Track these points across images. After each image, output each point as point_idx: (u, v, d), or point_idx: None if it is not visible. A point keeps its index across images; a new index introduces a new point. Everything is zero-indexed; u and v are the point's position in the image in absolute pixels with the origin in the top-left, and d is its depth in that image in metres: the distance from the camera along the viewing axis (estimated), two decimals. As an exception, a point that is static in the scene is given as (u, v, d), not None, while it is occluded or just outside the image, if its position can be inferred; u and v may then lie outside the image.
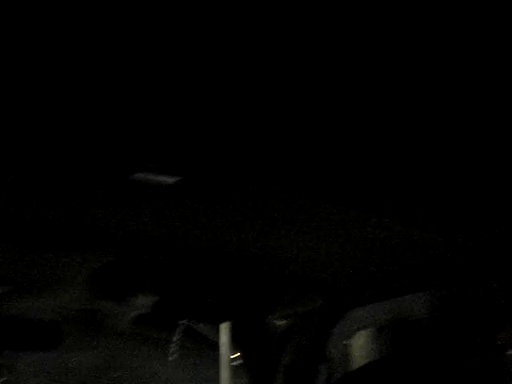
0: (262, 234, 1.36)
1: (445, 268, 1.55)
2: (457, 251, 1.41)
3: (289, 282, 1.69)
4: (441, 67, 0.91)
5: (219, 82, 0.80)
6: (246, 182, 1.00)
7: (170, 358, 3.06)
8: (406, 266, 1.58)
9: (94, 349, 3.89)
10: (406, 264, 1.56)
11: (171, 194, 1.02)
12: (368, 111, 0.94)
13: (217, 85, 0.80)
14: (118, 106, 0.75)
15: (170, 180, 0.93)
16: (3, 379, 1.75)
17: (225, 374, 3.29)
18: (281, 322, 2.23)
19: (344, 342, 2.38)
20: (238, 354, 3.50)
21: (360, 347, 2.69)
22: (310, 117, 0.89)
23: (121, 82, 0.74)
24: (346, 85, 0.89)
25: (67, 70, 0.74)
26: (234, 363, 3.33)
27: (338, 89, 0.89)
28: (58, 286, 1.64)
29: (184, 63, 0.77)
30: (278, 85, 0.86)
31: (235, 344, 3.59)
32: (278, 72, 0.83)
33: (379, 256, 1.52)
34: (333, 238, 1.40)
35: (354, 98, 0.90)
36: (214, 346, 3.77)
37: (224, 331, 3.43)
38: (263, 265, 1.56)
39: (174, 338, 2.99)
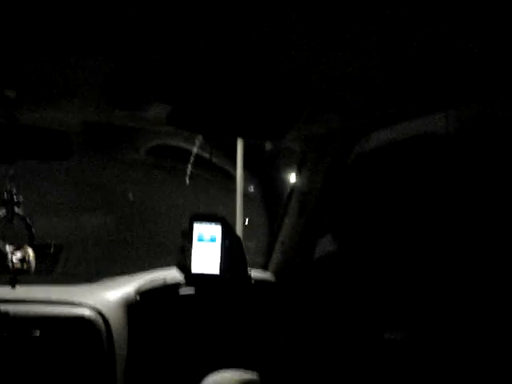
0: (282, 43, 1.27)
1: (467, 81, 1.47)
2: (483, 54, 1.31)
3: (304, 99, 1.62)
4: None
5: None
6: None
7: (187, 182, 3.13)
8: (428, 81, 1.50)
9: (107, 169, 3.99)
10: (428, 79, 1.48)
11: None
12: None
13: None
14: None
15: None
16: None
17: (240, 203, 3.39)
18: (296, 145, 2.20)
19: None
20: (253, 184, 3.59)
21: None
22: None
23: None
24: None
25: None
26: (249, 190, 3.42)
27: None
28: (71, 96, 1.60)
29: None
30: None
31: (250, 175, 3.65)
32: None
33: (402, 69, 1.43)
34: (352, 49, 1.31)
35: None
36: (230, 177, 3.84)
37: (240, 162, 3.48)
38: (277, 78, 1.48)
39: (189, 164, 3.04)
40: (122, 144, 4.09)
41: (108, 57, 1.35)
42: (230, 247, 1.48)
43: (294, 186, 2.38)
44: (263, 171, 3.59)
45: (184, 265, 1.45)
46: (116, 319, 2.03)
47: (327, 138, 2.00)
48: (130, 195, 3.84)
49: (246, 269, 1.56)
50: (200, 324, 2.08)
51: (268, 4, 1.09)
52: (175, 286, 2.10)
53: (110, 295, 2.11)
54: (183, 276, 1.47)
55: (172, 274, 2.10)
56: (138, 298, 2.10)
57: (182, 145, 3.83)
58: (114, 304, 2.07)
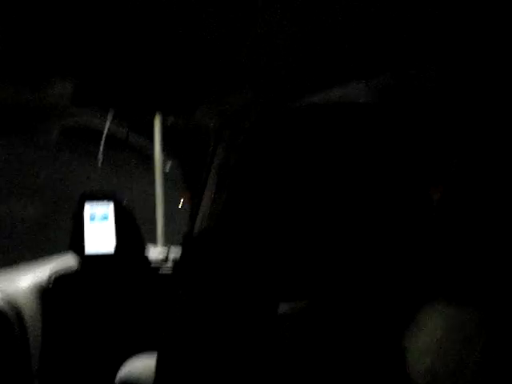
0: (184, 15, 1.23)
1: (382, 50, 1.47)
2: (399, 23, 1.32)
3: (215, 73, 1.58)
4: None
5: None
6: None
7: (99, 162, 3.04)
8: (345, 51, 1.49)
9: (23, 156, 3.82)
10: (345, 48, 1.47)
11: None
12: None
13: None
14: None
15: None
16: None
17: (159, 178, 3.35)
18: (211, 120, 2.16)
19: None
20: (170, 161, 3.54)
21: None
22: None
23: None
24: None
25: None
26: (166, 169, 3.37)
27: None
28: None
29: None
30: None
31: (167, 154, 3.60)
32: None
33: (317, 39, 1.41)
34: (266, 17, 1.28)
35: None
36: (148, 157, 3.78)
37: (158, 141, 3.42)
38: (185, 50, 1.44)
39: (101, 145, 2.96)
40: (34, 126, 3.93)
41: (5, 31, 1.27)
42: (124, 225, 1.40)
43: (211, 160, 2.34)
44: (181, 149, 3.53)
45: (77, 247, 1.37)
46: (28, 307, 1.95)
47: (241, 112, 1.97)
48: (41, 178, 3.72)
49: (143, 246, 1.50)
50: (111, 307, 2.03)
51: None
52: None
53: (21, 281, 2.02)
54: (77, 259, 1.39)
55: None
56: (51, 282, 2.03)
57: (98, 125, 3.73)
58: (25, 291, 1.98)
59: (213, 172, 2.31)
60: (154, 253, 2.24)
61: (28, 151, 3.90)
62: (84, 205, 1.38)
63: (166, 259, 2.16)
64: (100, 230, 1.38)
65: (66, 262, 2.10)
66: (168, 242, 3.03)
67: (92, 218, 1.40)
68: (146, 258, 1.50)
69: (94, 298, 2.03)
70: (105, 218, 1.40)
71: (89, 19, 1.27)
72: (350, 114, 1.04)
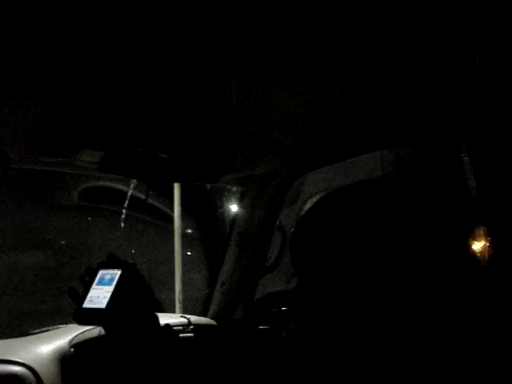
0: (219, 87, 1.26)
1: (402, 125, 1.49)
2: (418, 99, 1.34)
3: (240, 143, 1.60)
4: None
5: None
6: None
7: (122, 225, 3.05)
8: (363, 126, 1.51)
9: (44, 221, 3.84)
10: (364, 123, 1.49)
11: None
12: None
13: None
14: None
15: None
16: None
17: (178, 242, 3.34)
18: (234, 186, 2.18)
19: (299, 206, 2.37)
20: (192, 224, 3.55)
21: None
22: None
23: None
24: None
25: None
26: (187, 231, 3.37)
27: None
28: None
29: None
30: None
31: (187, 215, 3.60)
32: None
33: (336, 114, 1.44)
34: (287, 95, 1.31)
35: None
36: (168, 218, 3.78)
37: (177, 203, 3.43)
38: (218, 121, 1.46)
39: (124, 206, 2.97)
40: (54, 187, 3.96)
41: (35, 102, 1.30)
42: (124, 290, 1.49)
43: (232, 225, 2.34)
44: (202, 211, 3.53)
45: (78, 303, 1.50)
46: (49, 374, 1.91)
47: (266, 177, 1.98)
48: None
49: (149, 310, 1.58)
50: (134, 376, 1.99)
51: (203, 49, 1.07)
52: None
53: (42, 349, 2.00)
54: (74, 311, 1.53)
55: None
56: (72, 350, 2.00)
57: (118, 186, 3.75)
58: (46, 359, 1.96)
59: (235, 233, 2.31)
60: (172, 318, 2.21)
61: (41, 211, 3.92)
62: (98, 271, 1.51)
63: (187, 325, 2.13)
64: (101, 292, 1.51)
65: (87, 329, 2.08)
66: (187, 307, 3.00)
67: (99, 283, 1.53)
68: (157, 322, 1.56)
69: (116, 366, 2.00)
70: (110, 282, 1.52)
71: (117, 97, 1.30)
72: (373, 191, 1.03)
